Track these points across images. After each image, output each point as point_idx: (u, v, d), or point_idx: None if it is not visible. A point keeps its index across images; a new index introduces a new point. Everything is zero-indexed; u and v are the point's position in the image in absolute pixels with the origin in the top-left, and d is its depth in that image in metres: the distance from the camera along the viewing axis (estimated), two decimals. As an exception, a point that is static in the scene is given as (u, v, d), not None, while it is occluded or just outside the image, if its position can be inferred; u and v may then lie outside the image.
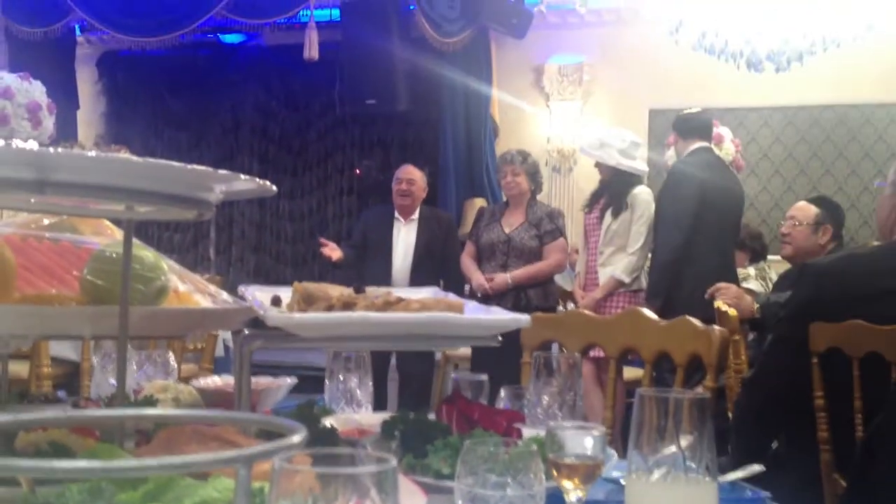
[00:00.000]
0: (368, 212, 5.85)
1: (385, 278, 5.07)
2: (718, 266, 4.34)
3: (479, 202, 6.93)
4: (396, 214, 5.29)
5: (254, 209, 8.42)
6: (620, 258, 4.80)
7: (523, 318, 1.31)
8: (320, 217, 8.23)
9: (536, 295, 4.92)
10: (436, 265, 5.17)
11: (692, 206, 4.45)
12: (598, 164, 4.98)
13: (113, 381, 2.00)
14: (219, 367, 3.70)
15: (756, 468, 1.45)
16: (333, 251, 5.13)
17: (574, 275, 5.22)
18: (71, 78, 7.75)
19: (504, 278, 4.88)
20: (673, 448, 1.09)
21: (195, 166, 1.07)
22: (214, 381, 1.95)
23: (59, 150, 0.99)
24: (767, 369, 2.52)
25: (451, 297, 1.41)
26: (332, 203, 8.20)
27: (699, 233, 4.45)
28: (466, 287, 5.43)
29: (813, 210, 3.98)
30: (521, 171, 4.98)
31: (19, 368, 3.46)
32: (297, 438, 0.75)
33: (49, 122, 5.22)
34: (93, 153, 1.01)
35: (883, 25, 5.42)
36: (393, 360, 5.28)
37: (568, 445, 1.14)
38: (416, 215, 5.29)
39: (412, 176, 5.29)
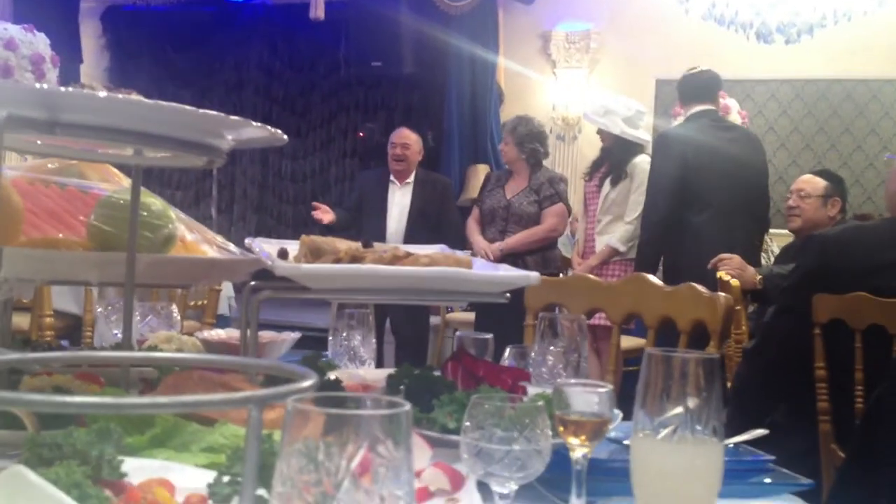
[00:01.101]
0: (364, 174, 5.84)
1: (379, 241, 5.06)
2: (722, 236, 4.14)
3: (483, 168, 6.90)
4: (392, 178, 5.28)
5: (256, 169, 8.39)
6: (618, 227, 4.78)
7: (532, 276, 1.30)
8: (322, 178, 8.21)
9: (535, 261, 4.91)
10: (431, 228, 5.16)
11: (672, 174, 4.24)
12: (600, 132, 4.92)
13: (116, 331, 2.00)
14: (220, 324, 3.70)
15: (759, 432, 1.46)
16: (325, 214, 5.13)
17: (574, 242, 5.20)
18: (74, 32, 7.68)
19: (494, 249, 4.87)
20: (679, 409, 1.09)
21: (206, 111, 1.06)
22: (218, 333, 1.95)
23: (70, 89, 0.98)
24: (769, 338, 2.53)
25: (460, 254, 1.40)
26: (335, 165, 8.18)
27: (695, 201, 4.25)
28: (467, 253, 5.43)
29: (821, 182, 3.92)
30: (509, 139, 4.98)
31: (21, 320, 3.46)
32: (308, 382, 0.74)
33: (53, 75, 5.17)
34: (103, 93, 0.99)
35: (893, 2, 5.37)
36: (387, 324, 5.30)
37: (575, 402, 1.14)
38: (411, 178, 5.28)
39: (407, 140, 5.27)
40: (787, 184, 6.66)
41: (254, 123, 1.11)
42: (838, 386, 2.41)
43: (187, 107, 1.03)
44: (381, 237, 5.12)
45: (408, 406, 0.68)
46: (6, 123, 0.97)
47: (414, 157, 5.28)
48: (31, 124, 1.00)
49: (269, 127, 1.13)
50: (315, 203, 5.26)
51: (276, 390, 0.71)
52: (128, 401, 0.64)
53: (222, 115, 1.07)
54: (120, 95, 0.99)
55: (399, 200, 5.24)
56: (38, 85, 0.95)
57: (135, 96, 1.01)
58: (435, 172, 5.69)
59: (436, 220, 5.21)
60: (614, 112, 4.79)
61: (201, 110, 1.05)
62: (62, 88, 0.97)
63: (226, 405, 0.71)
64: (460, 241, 5.41)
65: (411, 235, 5.11)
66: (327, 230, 5.27)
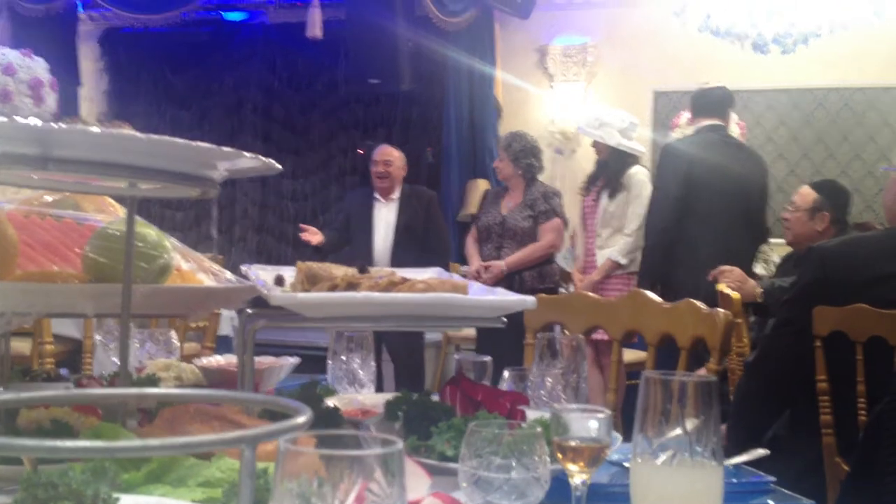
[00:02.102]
0: (350, 194, 5.86)
1: (366, 258, 5.09)
2: (718, 250, 4.16)
3: (482, 183, 6.91)
4: (376, 195, 5.28)
5: (256, 188, 8.39)
6: (618, 239, 4.78)
7: (528, 300, 1.30)
8: (323, 197, 8.21)
9: (531, 276, 4.91)
10: (418, 243, 5.16)
11: (676, 187, 4.30)
12: (595, 144, 4.93)
13: (115, 358, 1.99)
14: (222, 346, 3.70)
15: (760, 452, 1.45)
16: (314, 235, 5.14)
17: (574, 257, 5.19)
18: (73, 55, 7.71)
19: (499, 266, 4.87)
20: (678, 431, 1.08)
21: (199, 143, 1.06)
22: (217, 359, 1.94)
23: (63, 125, 0.98)
24: (770, 352, 2.52)
25: (456, 278, 1.40)
26: (335, 183, 8.18)
27: (692, 214, 4.31)
28: (461, 269, 5.45)
29: (812, 196, 3.88)
30: (504, 156, 5.00)
31: (21, 345, 3.46)
32: (302, 419, 0.74)
33: (51, 99, 5.18)
34: (96, 129, 0.99)
35: (889, 9, 5.38)
36: (383, 344, 5.30)
37: (573, 428, 1.14)
38: (396, 195, 5.27)
39: (389, 156, 5.27)
40: (786, 193, 6.67)
41: (247, 154, 1.11)
42: (840, 398, 2.41)
43: (180, 140, 1.03)
44: (369, 255, 5.13)
45: (400, 444, 0.68)
46: (-1, 161, 0.97)
47: (397, 174, 5.28)
48: (24, 161, 1.01)
49: (262, 157, 1.14)
50: (302, 225, 5.27)
51: (268, 429, 0.71)
52: (119, 445, 0.64)
53: (215, 147, 1.08)
54: (113, 130, 0.99)
55: (385, 217, 5.25)
56: (30, 121, 0.95)
57: (127, 131, 1.01)
58: (421, 187, 5.69)
59: (422, 234, 5.20)
60: (609, 124, 4.81)
61: (194, 143, 1.05)
62: (54, 125, 0.97)
63: (218, 445, 0.71)
64: (448, 254, 5.43)
65: (398, 251, 5.12)
66: (317, 251, 5.29)
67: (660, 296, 2.25)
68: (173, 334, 2.16)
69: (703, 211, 4.28)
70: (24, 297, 1.22)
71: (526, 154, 4.98)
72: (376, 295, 1.23)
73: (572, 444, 1.13)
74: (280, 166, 1.20)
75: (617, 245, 4.76)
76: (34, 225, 1.39)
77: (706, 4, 5.32)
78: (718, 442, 1.07)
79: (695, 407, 1.08)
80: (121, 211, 1.52)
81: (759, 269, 5.27)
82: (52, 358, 2.82)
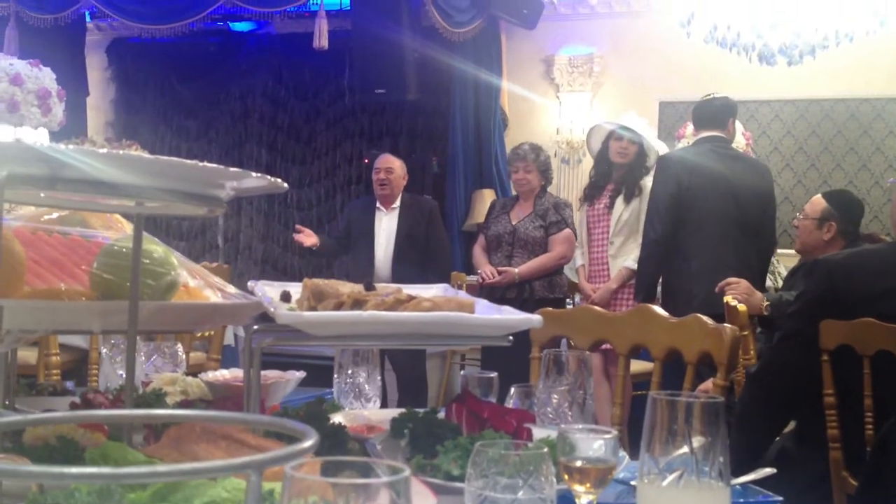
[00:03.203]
0: (351, 204, 5.88)
1: (368, 267, 5.12)
2: (711, 260, 4.16)
3: (488, 193, 6.91)
4: (378, 204, 5.29)
5: (262, 197, 8.40)
6: (632, 247, 4.79)
7: (535, 319, 1.30)
8: (328, 206, 8.21)
9: (541, 286, 4.92)
10: (419, 252, 5.18)
11: (668, 193, 4.28)
12: (625, 147, 4.90)
13: (121, 372, 2.00)
14: (226, 355, 3.70)
15: (767, 471, 1.44)
16: (308, 237, 5.16)
17: (577, 267, 5.17)
18: (80, 65, 7.74)
19: (512, 273, 4.87)
20: (685, 449, 1.08)
21: (206, 164, 1.07)
22: (223, 374, 1.94)
23: (71, 146, 0.99)
24: (772, 365, 2.52)
25: (462, 296, 1.40)
26: (341, 192, 8.18)
27: (686, 224, 4.29)
28: (466, 278, 5.45)
29: (821, 205, 3.87)
30: (533, 167, 4.97)
31: (27, 355, 3.47)
32: (308, 444, 0.74)
33: (59, 109, 5.20)
34: (104, 150, 1.00)
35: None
36: (385, 354, 5.30)
37: (580, 448, 1.13)
38: (397, 203, 5.29)
39: (391, 165, 5.29)
40: (793, 204, 6.68)
41: (254, 174, 1.12)
42: (848, 412, 2.40)
43: (188, 161, 1.04)
44: (370, 264, 5.16)
45: (407, 472, 0.68)
46: (7, 181, 0.98)
47: (398, 182, 5.29)
48: (33, 181, 1.01)
49: (268, 177, 1.14)
50: (298, 226, 5.29)
51: (274, 454, 0.71)
52: (127, 471, 0.64)
53: (222, 167, 1.08)
54: (121, 152, 1.00)
55: (386, 226, 5.26)
56: (38, 143, 0.95)
57: (135, 151, 1.01)
58: (421, 196, 5.69)
59: (424, 243, 5.21)
60: (645, 127, 4.93)
61: (201, 163, 1.06)
62: (63, 146, 0.97)
63: (224, 471, 0.71)
64: (449, 264, 5.43)
65: (399, 260, 5.13)
66: (311, 253, 5.31)
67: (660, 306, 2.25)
68: (179, 347, 2.17)
69: (697, 220, 4.27)
70: (31, 314, 1.22)
71: (549, 165, 5.04)
72: (383, 314, 1.23)
73: (578, 464, 1.13)
74: (286, 185, 1.20)
75: (633, 253, 4.76)
76: (41, 241, 1.39)
77: (712, 15, 5.31)
78: (725, 462, 1.07)
79: (702, 427, 1.08)
80: (128, 227, 1.52)
81: (766, 280, 5.24)
82: (57, 369, 2.82)
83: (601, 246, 4.94)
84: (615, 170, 4.94)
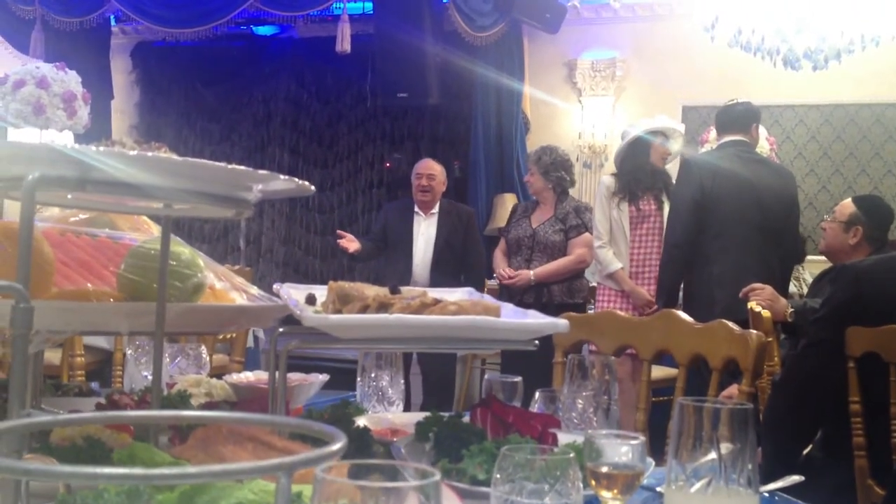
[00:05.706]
0: (389, 206, 5.82)
1: (406, 273, 5.10)
2: (736, 267, 4.11)
3: (509, 197, 6.90)
4: (416, 209, 5.29)
5: (284, 200, 8.43)
6: None
7: (561, 323, 1.29)
8: (350, 209, 8.23)
9: (560, 291, 4.91)
10: (456, 259, 5.17)
11: (689, 198, 4.25)
12: (667, 153, 4.95)
13: (146, 373, 2.01)
14: (248, 357, 3.71)
15: (794, 478, 1.43)
16: (351, 243, 5.14)
17: (612, 272, 5.08)
18: (105, 68, 7.81)
19: (527, 275, 4.86)
20: (713, 455, 1.07)
21: (235, 166, 1.07)
22: (247, 376, 1.95)
23: (101, 149, 0.99)
24: (797, 372, 2.49)
25: (488, 300, 1.39)
26: (362, 196, 8.20)
27: (709, 229, 4.25)
28: (488, 282, 5.44)
29: (850, 209, 3.83)
30: (534, 169, 5.00)
31: (52, 356, 3.49)
32: (336, 446, 0.74)
33: (84, 112, 5.25)
34: (134, 152, 1.00)
35: (923, 24, 5.32)
36: (414, 355, 5.29)
37: (606, 454, 1.13)
38: (436, 209, 5.28)
39: (432, 171, 5.28)
40: (817, 209, 6.63)
41: (281, 177, 1.12)
42: (874, 420, 2.37)
43: (216, 163, 1.04)
44: (408, 269, 5.13)
45: (437, 476, 0.67)
46: (38, 183, 0.98)
47: (439, 188, 5.29)
48: (63, 183, 1.01)
49: (296, 179, 1.14)
50: (340, 231, 5.27)
51: (305, 457, 0.71)
52: (158, 472, 0.64)
53: (251, 170, 1.08)
54: (150, 154, 1.00)
55: (425, 231, 5.25)
56: (68, 145, 0.96)
57: (164, 153, 1.02)
58: (458, 202, 5.69)
59: (461, 251, 5.21)
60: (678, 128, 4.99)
61: (230, 166, 1.06)
62: (93, 148, 0.98)
63: (255, 473, 0.71)
64: (483, 271, 5.42)
65: (437, 266, 5.12)
66: (352, 259, 5.30)
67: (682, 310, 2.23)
68: (203, 349, 2.18)
69: (718, 225, 4.24)
70: (60, 315, 1.23)
71: (556, 167, 4.98)
72: (408, 317, 1.23)
73: (606, 470, 1.12)
74: (313, 188, 1.20)
75: None
76: (70, 243, 1.40)
77: (736, 19, 5.28)
78: (754, 469, 1.06)
79: (730, 433, 1.07)
80: (155, 229, 1.53)
81: (791, 287, 5.21)
82: (81, 370, 2.83)
83: (648, 245, 4.87)
84: (656, 174, 4.90)
